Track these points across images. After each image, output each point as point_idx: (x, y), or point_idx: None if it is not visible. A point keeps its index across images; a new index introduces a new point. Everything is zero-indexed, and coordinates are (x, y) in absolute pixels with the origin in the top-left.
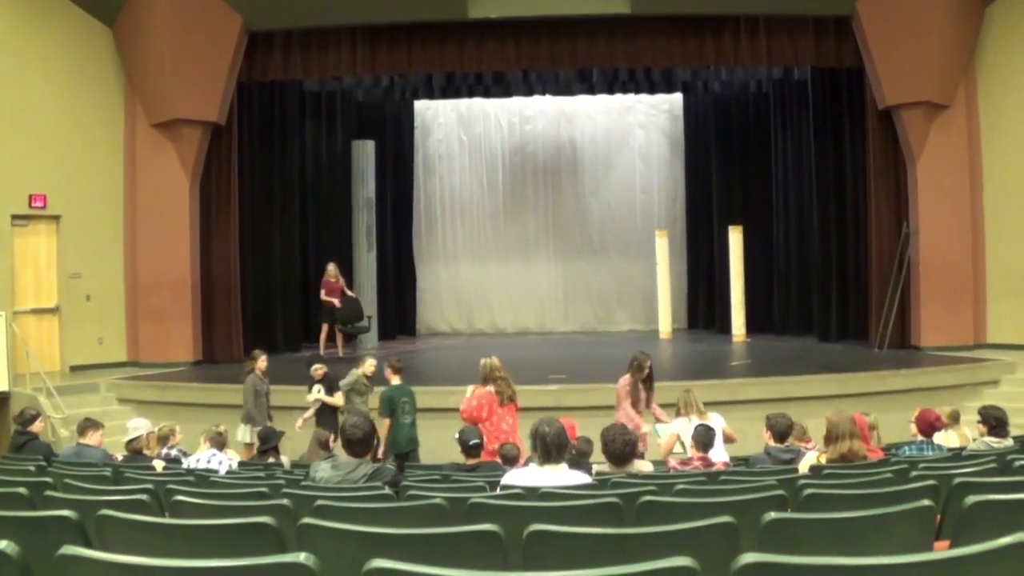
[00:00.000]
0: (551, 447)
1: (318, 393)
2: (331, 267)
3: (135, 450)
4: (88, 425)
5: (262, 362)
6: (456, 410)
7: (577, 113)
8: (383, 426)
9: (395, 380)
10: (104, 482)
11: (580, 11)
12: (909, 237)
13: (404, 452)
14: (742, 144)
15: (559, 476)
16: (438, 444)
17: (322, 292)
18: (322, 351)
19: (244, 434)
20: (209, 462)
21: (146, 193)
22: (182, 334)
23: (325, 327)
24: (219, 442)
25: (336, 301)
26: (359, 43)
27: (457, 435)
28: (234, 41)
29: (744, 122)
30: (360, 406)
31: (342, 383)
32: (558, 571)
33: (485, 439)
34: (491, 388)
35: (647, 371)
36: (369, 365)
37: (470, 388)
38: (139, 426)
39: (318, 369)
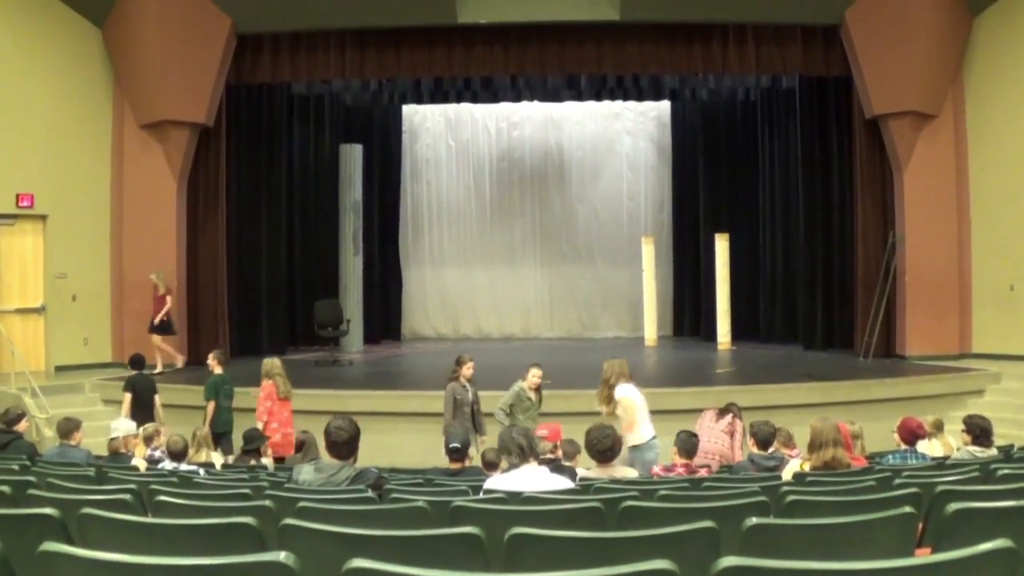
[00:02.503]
0: (512, 444)
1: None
2: (153, 276)
3: (113, 450)
4: (71, 427)
5: (467, 368)
6: (436, 414)
7: (565, 119)
8: (209, 408)
9: (218, 370)
10: (87, 482)
11: (569, 17)
12: (895, 246)
13: (222, 432)
14: (729, 152)
15: (542, 480)
16: (422, 449)
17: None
18: (164, 364)
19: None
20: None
21: (133, 194)
22: (168, 336)
23: (156, 338)
24: (175, 452)
25: (163, 316)
26: (348, 47)
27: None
28: (223, 43)
29: (731, 130)
30: (526, 423)
31: (501, 403)
32: (539, 573)
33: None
34: (270, 382)
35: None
36: (533, 376)
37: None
38: (119, 427)
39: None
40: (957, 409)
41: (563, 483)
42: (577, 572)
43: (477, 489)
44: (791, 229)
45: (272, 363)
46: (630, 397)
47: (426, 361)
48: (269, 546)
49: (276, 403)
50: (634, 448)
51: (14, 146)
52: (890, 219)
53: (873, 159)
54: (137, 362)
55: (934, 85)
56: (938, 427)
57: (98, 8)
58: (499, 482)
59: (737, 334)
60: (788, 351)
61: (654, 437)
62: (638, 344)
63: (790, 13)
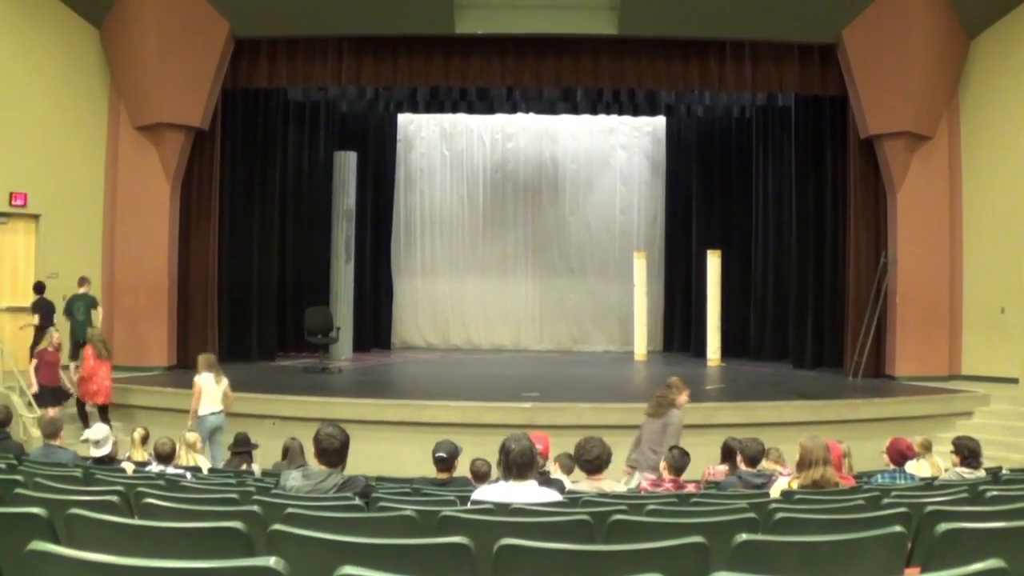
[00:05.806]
0: (512, 465)
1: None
2: (56, 335)
3: (108, 459)
4: (56, 427)
5: (684, 396)
6: (425, 424)
7: (560, 132)
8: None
9: (81, 291)
10: (74, 482)
11: (567, 30)
12: (887, 267)
13: (79, 342)
14: (723, 169)
15: (530, 493)
16: (410, 458)
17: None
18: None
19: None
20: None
21: (127, 195)
22: (158, 338)
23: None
24: (162, 454)
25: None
26: (345, 54)
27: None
28: (220, 47)
29: (726, 147)
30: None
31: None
32: None
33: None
34: (90, 346)
35: None
36: (685, 396)
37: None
38: (92, 434)
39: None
40: (946, 430)
41: (551, 496)
42: None
43: (466, 500)
44: (783, 247)
45: (92, 332)
46: (197, 382)
47: (415, 370)
48: (257, 551)
49: (95, 362)
50: (200, 418)
51: (8, 144)
52: (882, 239)
53: (867, 179)
54: (39, 288)
55: (930, 106)
56: (926, 447)
57: (96, 8)
58: (487, 493)
59: (727, 351)
60: (778, 369)
61: (212, 414)
62: (628, 359)
63: (787, 32)
